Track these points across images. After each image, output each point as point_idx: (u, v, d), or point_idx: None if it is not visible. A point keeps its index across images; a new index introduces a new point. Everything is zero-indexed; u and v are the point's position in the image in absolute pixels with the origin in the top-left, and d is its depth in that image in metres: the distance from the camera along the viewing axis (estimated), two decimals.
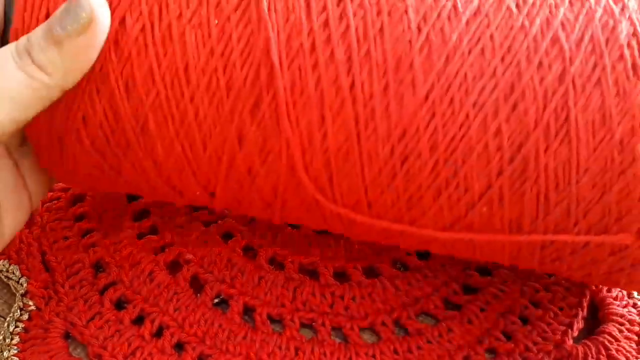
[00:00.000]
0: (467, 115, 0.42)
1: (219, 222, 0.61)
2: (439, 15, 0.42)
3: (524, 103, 0.41)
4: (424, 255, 0.60)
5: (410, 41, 0.42)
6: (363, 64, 0.42)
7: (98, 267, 0.57)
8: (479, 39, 0.42)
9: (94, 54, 0.42)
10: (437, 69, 0.42)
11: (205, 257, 0.58)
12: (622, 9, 0.43)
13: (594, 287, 0.58)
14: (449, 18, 0.42)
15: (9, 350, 0.51)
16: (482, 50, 0.42)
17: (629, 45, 0.42)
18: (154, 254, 0.58)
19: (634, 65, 0.41)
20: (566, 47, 0.41)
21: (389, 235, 0.50)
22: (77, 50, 0.42)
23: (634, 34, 0.42)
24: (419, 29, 0.42)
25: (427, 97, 0.42)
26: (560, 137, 0.42)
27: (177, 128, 0.45)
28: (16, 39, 0.43)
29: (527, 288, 0.58)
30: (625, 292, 0.58)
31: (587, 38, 0.42)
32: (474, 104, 0.42)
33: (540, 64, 0.41)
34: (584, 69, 0.41)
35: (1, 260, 0.56)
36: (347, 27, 0.42)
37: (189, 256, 0.57)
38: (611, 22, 0.42)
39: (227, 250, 0.58)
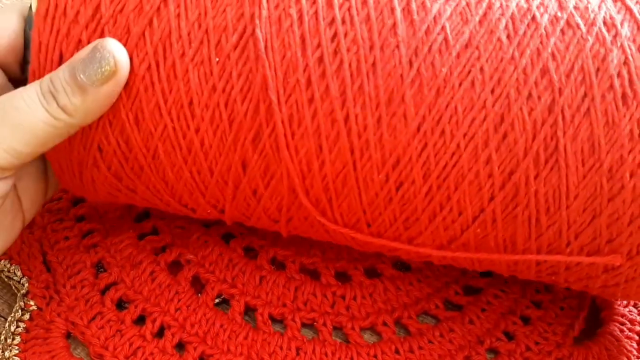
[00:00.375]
0: (458, 145, 0.45)
1: (220, 222, 0.62)
2: (429, 49, 0.45)
3: (514, 133, 0.44)
4: None
5: (401, 75, 0.45)
6: (357, 97, 0.45)
7: (99, 267, 0.60)
8: (469, 72, 0.45)
9: (114, 99, 0.47)
10: (428, 101, 0.45)
11: (206, 257, 0.61)
12: (615, 37, 0.45)
13: None
14: (439, 51, 0.45)
15: (10, 351, 0.54)
16: (472, 83, 0.45)
17: (619, 74, 0.44)
18: (155, 254, 0.61)
19: (623, 95, 0.44)
20: (555, 78, 0.44)
21: (390, 250, 0.53)
22: (99, 97, 0.46)
23: (625, 62, 0.45)
24: (410, 63, 0.45)
25: (418, 129, 0.45)
26: (550, 165, 0.45)
27: (184, 156, 0.49)
28: (34, 77, 0.48)
29: (528, 288, 0.61)
30: None
31: (577, 68, 0.44)
32: (465, 135, 0.45)
33: (529, 95, 0.44)
34: (574, 99, 0.44)
35: (2, 261, 0.59)
36: (341, 62, 0.45)
37: (190, 256, 0.60)
38: (602, 51, 0.45)
39: (228, 250, 0.61)
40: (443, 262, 0.54)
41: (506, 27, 0.45)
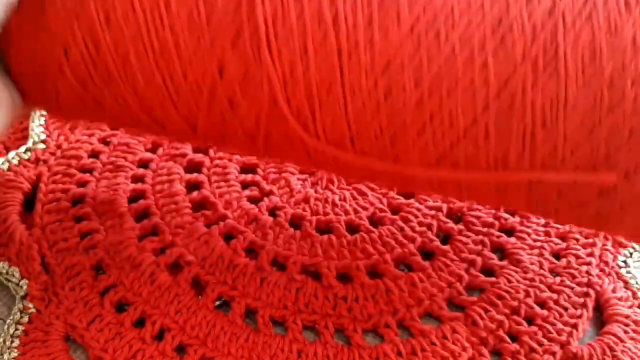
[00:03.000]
0: (453, 49, 0.44)
1: (221, 223, 0.64)
2: None
3: (512, 36, 0.43)
4: (427, 255, 0.63)
5: None
6: None
7: (98, 269, 0.60)
8: None
9: None
10: (424, 1, 0.44)
11: (206, 258, 0.61)
12: None
13: (598, 288, 0.61)
14: None
15: (9, 353, 0.54)
16: None
17: None
18: (155, 255, 0.61)
19: (626, 1, 0.43)
20: None
21: (374, 174, 0.51)
22: None
23: None
24: None
25: (412, 30, 0.44)
26: (549, 72, 0.43)
27: (157, 58, 0.47)
28: None
29: (531, 289, 0.61)
30: (630, 293, 0.61)
31: None
32: (460, 37, 0.43)
33: None
34: (575, 3, 0.43)
35: (1, 262, 0.59)
36: None
37: (190, 257, 0.60)
38: None
39: (228, 251, 0.61)
40: (429, 189, 0.53)
41: None
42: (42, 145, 0.67)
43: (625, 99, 0.43)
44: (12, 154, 0.65)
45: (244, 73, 0.46)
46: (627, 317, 0.60)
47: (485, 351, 0.57)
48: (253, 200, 0.65)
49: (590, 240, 0.63)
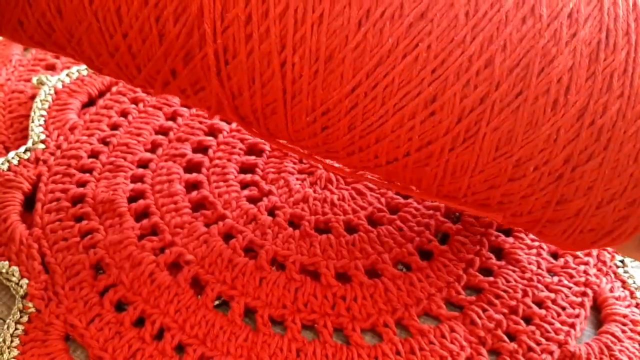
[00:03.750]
0: (387, 112, 0.45)
1: (220, 222, 0.64)
2: (382, 14, 0.44)
3: (441, 114, 0.45)
4: (426, 255, 0.62)
5: (347, 37, 0.44)
6: (297, 47, 0.45)
7: (98, 268, 0.60)
8: (416, 46, 0.44)
9: None
10: (367, 69, 0.44)
11: (205, 257, 0.60)
12: (572, 36, 0.44)
13: (596, 288, 0.61)
14: (392, 18, 0.44)
15: (9, 353, 0.53)
16: (416, 59, 0.44)
17: (559, 80, 0.44)
18: (154, 255, 0.60)
19: (555, 102, 0.45)
20: (497, 72, 0.44)
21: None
22: None
23: (571, 68, 0.44)
24: (359, 25, 0.44)
25: (353, 91, 0.45)
26: (466, 145, 0.46)
27: (111, 52, 0.49)
28: None
29: (529, 288, 0.60)
30: (627, 292, 0.61)
31: (522, 65, 0.44)
32: (395, 105, 0.45)
33: (467, 83, 0.44)
34: (508, 94, 0.44)
35: (1, 262, 0.59)
36: (287, 6, 0.44)
37: (190, 257, 0.60)
38: (553, 52, 0.44)
39: (228, 251, 0.61)
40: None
41: (468, 2, 0.44)
42: (41, 146, 0.67)
43: (525, 177, 0.47)
44: (12, 154, 0.65)
45: (195, 80, 0.49)
46: (624, 316, 0.60)
47: (483, 350, 0.57)
48: (252, 200, 0.65)
49: None
